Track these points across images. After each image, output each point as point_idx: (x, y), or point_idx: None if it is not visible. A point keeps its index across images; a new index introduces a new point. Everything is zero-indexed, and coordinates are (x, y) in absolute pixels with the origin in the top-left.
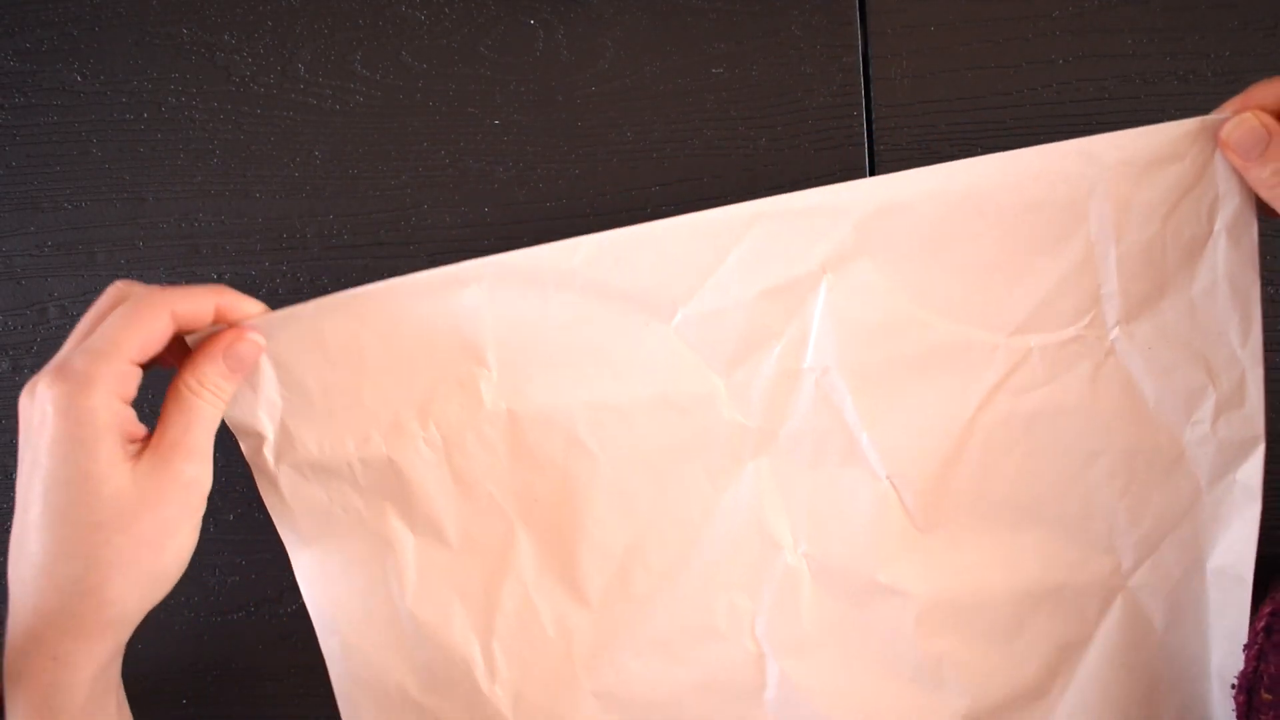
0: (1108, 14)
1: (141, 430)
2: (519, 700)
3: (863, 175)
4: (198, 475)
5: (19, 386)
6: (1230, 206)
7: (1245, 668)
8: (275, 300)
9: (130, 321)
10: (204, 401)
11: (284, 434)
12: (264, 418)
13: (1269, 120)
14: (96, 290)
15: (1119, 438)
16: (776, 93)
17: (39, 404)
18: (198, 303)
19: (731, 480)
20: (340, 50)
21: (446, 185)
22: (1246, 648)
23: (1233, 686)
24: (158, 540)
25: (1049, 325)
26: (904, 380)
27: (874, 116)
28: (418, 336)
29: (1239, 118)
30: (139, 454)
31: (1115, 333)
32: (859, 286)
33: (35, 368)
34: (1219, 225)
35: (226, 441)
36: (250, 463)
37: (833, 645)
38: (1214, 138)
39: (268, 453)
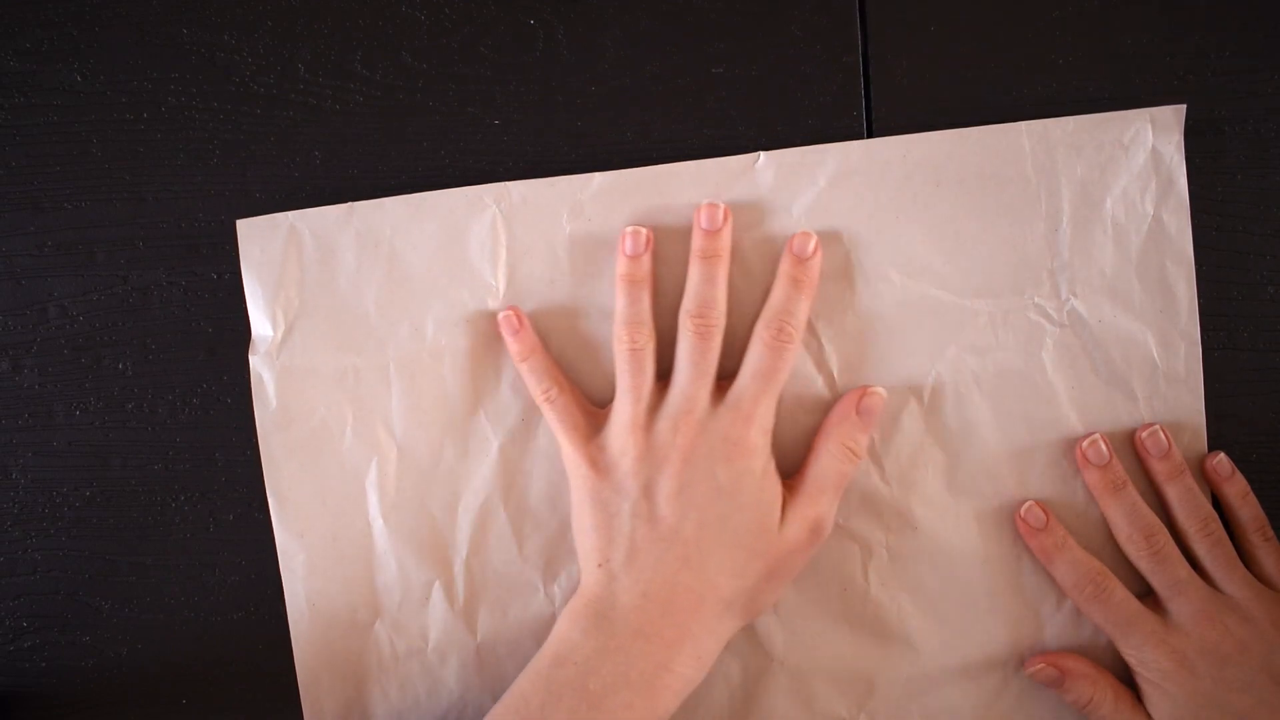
0: (1108, 14)
1: None
2: (481, 617)
3: None
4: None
5: (19, 386)
6: (1166, 193)
7: None
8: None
9: None
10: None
11: (291, 334)
12: (278, 315)
13: (1061, 664)
14: (97, 290)
15: (1067, 408)
16: (776, 93)
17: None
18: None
19: None
20: (340, 50)
21: (446, 185)
22: None
23: None
24: None
25: (1003, 291)
26: (873, 333)
27: (874, 116)
28: (439, 250)
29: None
30: None
31: (1067, 305)
32: (833, 241)
33: (35, 368)
34: (1157, 210)
35: (228, 440)
36: (250, 361)
37: (790, 587)
38: (1155, 129)
39: (269, 351)
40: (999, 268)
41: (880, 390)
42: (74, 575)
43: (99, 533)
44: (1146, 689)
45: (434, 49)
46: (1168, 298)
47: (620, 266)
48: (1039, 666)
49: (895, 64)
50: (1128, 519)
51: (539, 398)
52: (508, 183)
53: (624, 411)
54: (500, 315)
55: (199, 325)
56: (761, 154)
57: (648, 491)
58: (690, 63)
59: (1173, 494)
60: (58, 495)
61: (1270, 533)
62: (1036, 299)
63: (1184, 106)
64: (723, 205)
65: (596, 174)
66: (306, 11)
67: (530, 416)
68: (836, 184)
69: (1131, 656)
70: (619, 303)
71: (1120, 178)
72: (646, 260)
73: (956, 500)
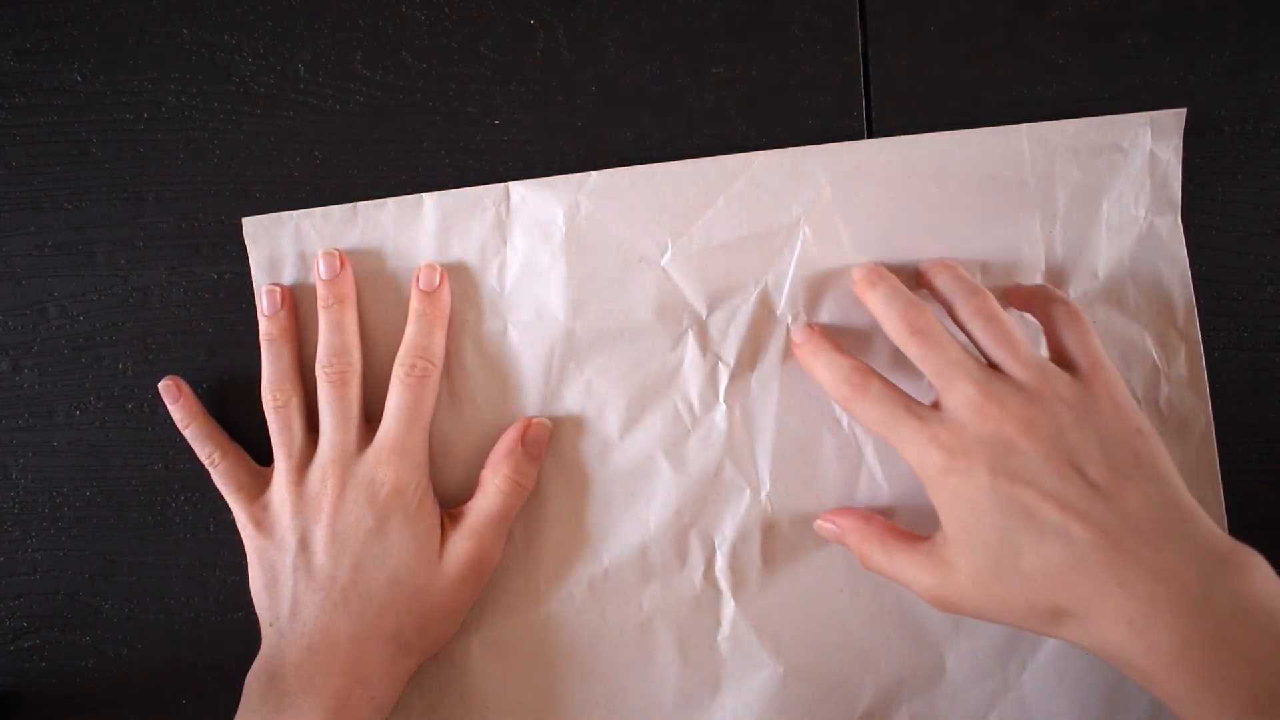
0: (1108, 14)
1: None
2: (483, 618)
3: None
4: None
5: (19, 386)
6: (1159, 196)
7: None
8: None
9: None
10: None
11: (303, 332)
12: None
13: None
14: (96, 290)
15: None
16: (776, 93)
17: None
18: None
19: (704, 417)
20: (340, 50)
21: (446, 185)
22: None
23: None
24: None
25: (999, 293)
26: (869, 334)
27: (874, 116)
28: (439, 251)
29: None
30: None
31: None
32: (831, 240)
33: (35, 368)
34: (1149, 212)
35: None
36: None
37: (788, 588)
38: (1154, 133)
39: None
40: (996, 269)
41: (545, 420)
42: (74, 575)
43: (99, 533)
44: (930, 488)
45: (434, 49)
46: (1164, 299)
47: (260, 326)
48: (818, 523)
49: (895, 64)
50: (886, 304)
51: (204, 462)
52: (507, 183)
53: (279, 468)
54: (160, 385)
55: (199, 325)
56: (761, 154)
57: (304, 543)
58: (690, 63)
59: (943, 287)
60: (58, 495)
61: (1047, 302)
62: None
63: (1184, 111)
64: (338, 252)
65: (594, 173)
66: (306, 11)
67: (528, 415)
68: (836, 184)
69: (909, 456)
70: (263, 362)
71: (1117, 181)
72: (283, 317)
73: None
